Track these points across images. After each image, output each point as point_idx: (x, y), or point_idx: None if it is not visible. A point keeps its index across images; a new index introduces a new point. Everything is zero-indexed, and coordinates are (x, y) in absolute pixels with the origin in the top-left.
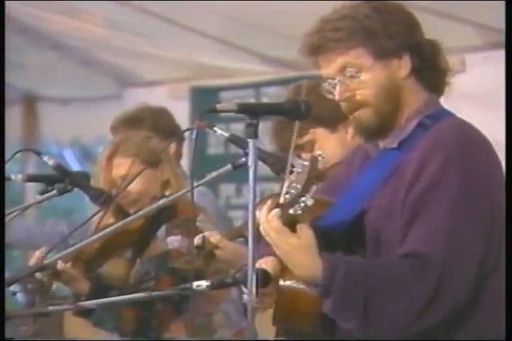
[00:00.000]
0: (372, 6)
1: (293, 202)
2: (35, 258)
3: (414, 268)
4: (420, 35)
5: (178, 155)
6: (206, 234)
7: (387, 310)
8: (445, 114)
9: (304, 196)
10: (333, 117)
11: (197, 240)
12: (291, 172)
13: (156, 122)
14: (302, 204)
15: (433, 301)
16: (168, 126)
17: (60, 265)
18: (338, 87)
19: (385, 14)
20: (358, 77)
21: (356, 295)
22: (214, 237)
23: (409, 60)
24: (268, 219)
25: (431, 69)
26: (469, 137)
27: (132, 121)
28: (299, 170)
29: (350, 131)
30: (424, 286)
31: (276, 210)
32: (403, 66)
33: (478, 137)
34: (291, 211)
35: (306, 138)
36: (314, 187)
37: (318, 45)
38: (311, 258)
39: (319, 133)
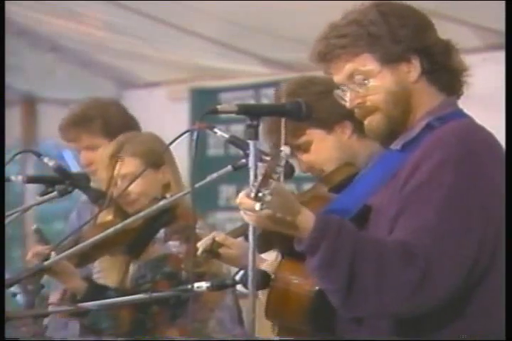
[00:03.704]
0: (379, 10)
1: (256, 197)
2: (32, 255)
3: (401, 254)
4: (431, 36)
5: None
6: (213, 235)
7: (370, 282)
8: (457, 115)
9: (261, 191)
10: (329, 118)
11: (205, 244)
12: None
13: (107, 119)
14: (264, 200)
15: (417, 288)
16: (120, 121)
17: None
18: (348, 94)
19: (391, 18)
20: (367, 84)
21: (345, 254)
22: (219, 236)
23: (419, 63)
24: (240, 203)
25: (444, 71)
26: (471, 139)
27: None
28: (262, 165)
29: (347, 131)
30: (410, 272)
31: (243, 192)
32: (413, 69)
33: (482, 140)
34: (257, 207)
35: (303, 139)
36: (273, 183)
37: (325, 53)
38: (298, 213)
39: (315, 134)
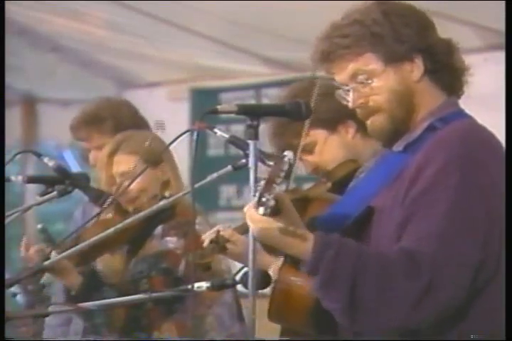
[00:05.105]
0: (381, 9)
1: (259, 202)
2: (30, 253)
3: (405, 264)
4: (433, 36)
5: None
6: (219, 228)
7: (374, 298)
8: (458, 116)
9: (264, 197)
10: (332, 118)
11: (211, 235)
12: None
13: (118, 119)
14: (267, 204)
15: (423, 299)
16: (130, 121)
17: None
18: (351, 94)
19: (394, 18)
20: (370, 84)
21: (345, 274)
22: (225, 231)
23: (422, 63)
24: (246, 212)
25: (446, 70)
26: (474, 140)
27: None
28: (265, 171)
29: (351, 131)
30: (414, 283)
31: (251, 203)
32: (415, 69)
33: (485, 141)
34: (260, 211)
35: (307, 140)
36: (276, 188)
37: (328, 52)
38: (297, 234)
39: (319, 135)
